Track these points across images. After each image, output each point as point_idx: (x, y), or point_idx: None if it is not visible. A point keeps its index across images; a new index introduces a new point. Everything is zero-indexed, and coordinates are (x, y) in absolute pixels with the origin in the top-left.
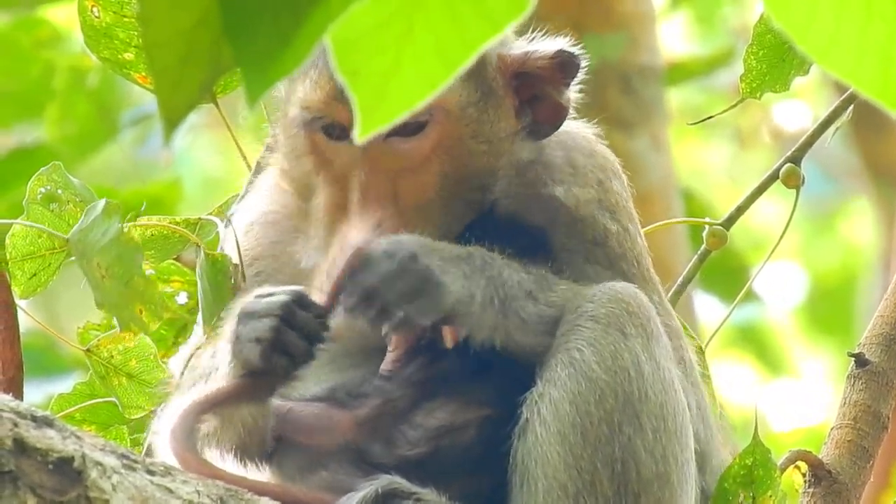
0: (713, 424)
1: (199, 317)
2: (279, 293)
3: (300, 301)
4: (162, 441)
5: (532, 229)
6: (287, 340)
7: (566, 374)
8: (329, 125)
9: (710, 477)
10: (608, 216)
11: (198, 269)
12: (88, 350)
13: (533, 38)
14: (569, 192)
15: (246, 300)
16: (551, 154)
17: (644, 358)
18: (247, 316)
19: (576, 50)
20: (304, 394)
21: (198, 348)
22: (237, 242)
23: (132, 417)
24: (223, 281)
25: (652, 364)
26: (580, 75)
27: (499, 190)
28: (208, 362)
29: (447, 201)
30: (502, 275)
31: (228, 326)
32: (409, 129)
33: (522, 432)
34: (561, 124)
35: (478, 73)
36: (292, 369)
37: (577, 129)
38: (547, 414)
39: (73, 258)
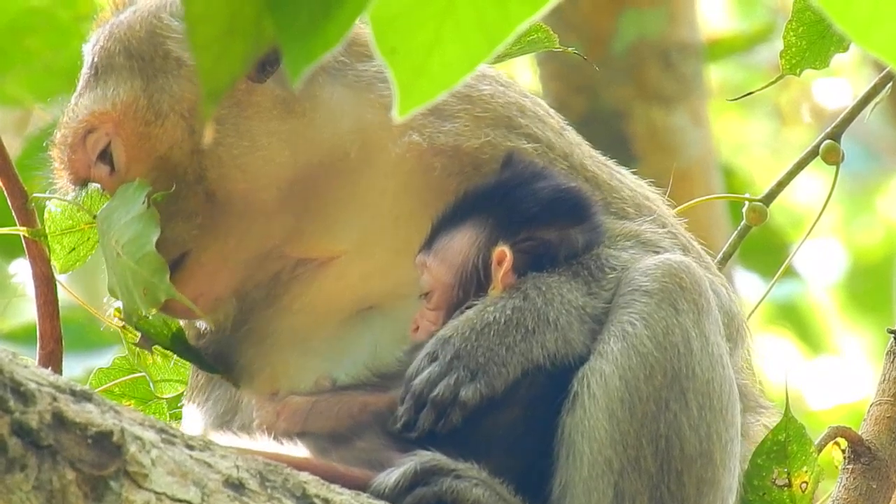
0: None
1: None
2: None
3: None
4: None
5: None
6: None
7: (618, 348)
8: None
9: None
10: (510, 136)
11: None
12: (124, 327)
13: None
14: (456, 132)
15: None
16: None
17: (694, 334)
18: None
19: None
20: (329, 384)
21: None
22: None
23: (163, 396)
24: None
25: (701, 340)
26: None
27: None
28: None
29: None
30: (546, 332)
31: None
32: None
33: (571, 405)
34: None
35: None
36: None
37: None
38: (596, 388)
39: None
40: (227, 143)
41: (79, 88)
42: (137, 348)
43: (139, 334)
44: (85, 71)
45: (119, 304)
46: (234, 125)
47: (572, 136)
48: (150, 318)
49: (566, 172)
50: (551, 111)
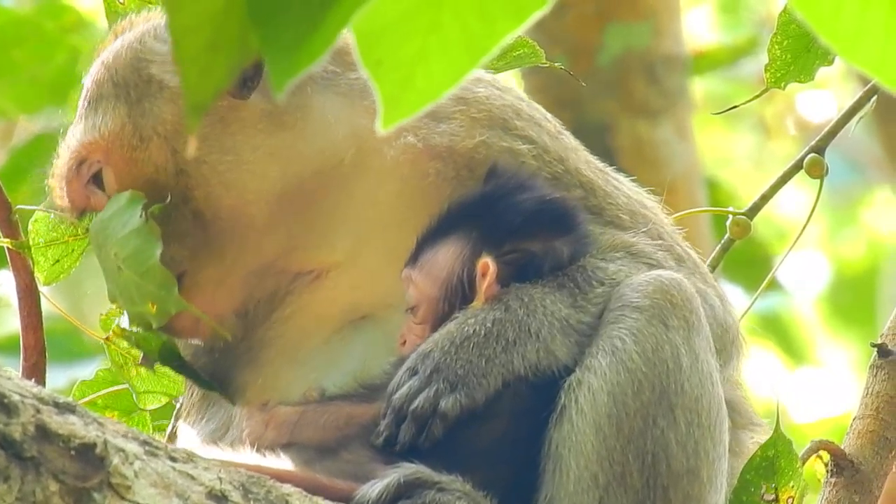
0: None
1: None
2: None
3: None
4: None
5: None
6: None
7: (606, 362)
8: None
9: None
10: (506, 137)
11: None
12: (107, 338)
13: None
14: (451, 133)
15: None
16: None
17: (684, 351)
18: None
19: None
20: (318, 395)
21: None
22: None
23: (146, 407)
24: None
25: (691, 357)
26: None
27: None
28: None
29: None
30: (527, 342)
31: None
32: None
33: (559, 419)
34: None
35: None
36: None
37: None
38: (584, 403)
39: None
40: (210, 161)
41: (75, 119)
42: (123, 362)
43: (140, 354)
44: (80, 101)
45: (104, 311)
46: (217, 142)
47: (568, 140)
48: (145, 333)
49: (561, 176)
50: (548, 115)
